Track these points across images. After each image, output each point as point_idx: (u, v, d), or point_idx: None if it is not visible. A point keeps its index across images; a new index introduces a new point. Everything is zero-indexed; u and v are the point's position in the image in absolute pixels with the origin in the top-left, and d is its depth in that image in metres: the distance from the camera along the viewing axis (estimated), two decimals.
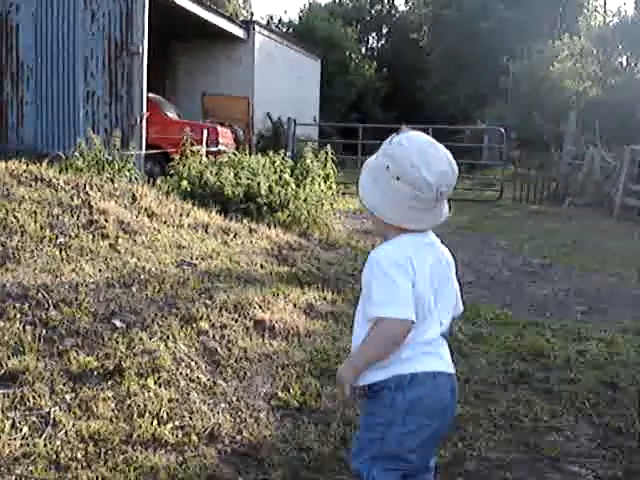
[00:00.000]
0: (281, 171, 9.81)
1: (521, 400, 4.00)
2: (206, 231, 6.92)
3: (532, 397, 4.07)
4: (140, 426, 3.24)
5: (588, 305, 6.96)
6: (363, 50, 45.97)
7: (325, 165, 10.99)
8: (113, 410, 3.37)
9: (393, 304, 2.12)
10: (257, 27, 21.79)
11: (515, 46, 32.95)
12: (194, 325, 4.41)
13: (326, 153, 11.10)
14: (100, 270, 5.12)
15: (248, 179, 8.92)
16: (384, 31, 48.75)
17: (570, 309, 6.75)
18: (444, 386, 2.23)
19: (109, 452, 3.04)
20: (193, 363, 3.98)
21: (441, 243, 2.34)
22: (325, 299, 5.68)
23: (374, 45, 49.64)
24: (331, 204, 9.65)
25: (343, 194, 14.40)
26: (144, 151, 11.80)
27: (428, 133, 2.31)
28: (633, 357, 5.04)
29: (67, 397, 3.41)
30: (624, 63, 33.22)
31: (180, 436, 3.23)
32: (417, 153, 2.18)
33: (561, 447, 3.46)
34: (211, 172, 8.92)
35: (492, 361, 4.68)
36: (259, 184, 8.76)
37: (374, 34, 49.03)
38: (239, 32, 20.83)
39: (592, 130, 18.87)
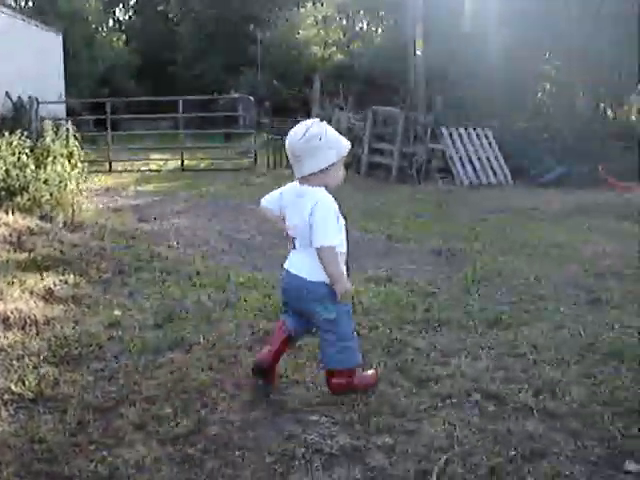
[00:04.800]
0: (20, 153, 9.21)
1: None
2: None
3: None
4: None
5: None
6: (110, 23, 44.45)
7: (67, 143, 10.47)
8: None
9: None
10: None
11: (263, 14, 33.41)
12: None
13: (67, 130, 10.56)
14: None
15: None
16: (131, 3, 47.46)
17: None
18: (286, 277, 3.61)
19: None
20: None
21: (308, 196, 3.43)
22: (67, 283, 5.44)
23: (122, 18, 48.22)
24: (77, 183, 9.22)
25: (95, 172, 13.92)
26: None
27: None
28: (373, 305, 5.32)
29: None
30: (364, 28, 34.86)
31: None
32: None
33: (302, 398, 3.56)
34: None
35: (240, 324, 4.72)
36: None
37: (121, 6, 47.56)
38: None
39: (338, 94, 19.65)
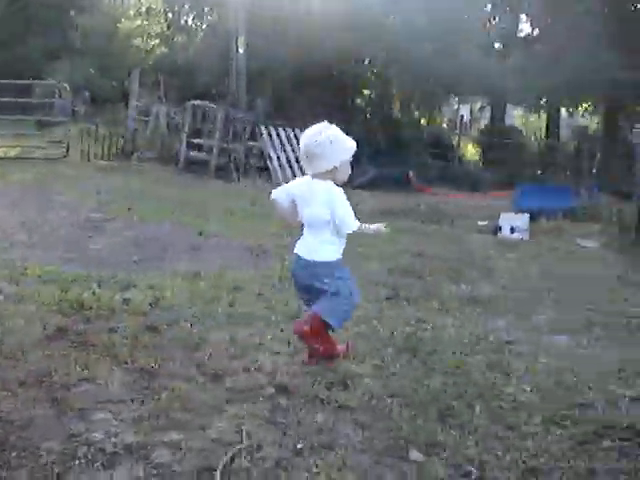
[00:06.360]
0: None
1: (55, 356, 3.85)
2: None
3: (68, 351, 3.95)
4: None
5: (144, 254, 7.08)
6: None
7: None
8: None
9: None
10: None
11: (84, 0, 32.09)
12: None
13: None
14: None
15: None
16: None
17: (126, 259, 6.79)
18: (296, 261, 4.07)
19: None
20: None
21: None
22: None
23: None
24: None
25: None
26: None
27: None
28: (180, 300, 5.22)
29: None
30: (189, 22, 34.37)
31: None
32: None
33: (90, 396, 3.40)
34: None
35: (31, 319, 4.45)
36: None
37: None
38: None
39: (159, 86, 19.26)
